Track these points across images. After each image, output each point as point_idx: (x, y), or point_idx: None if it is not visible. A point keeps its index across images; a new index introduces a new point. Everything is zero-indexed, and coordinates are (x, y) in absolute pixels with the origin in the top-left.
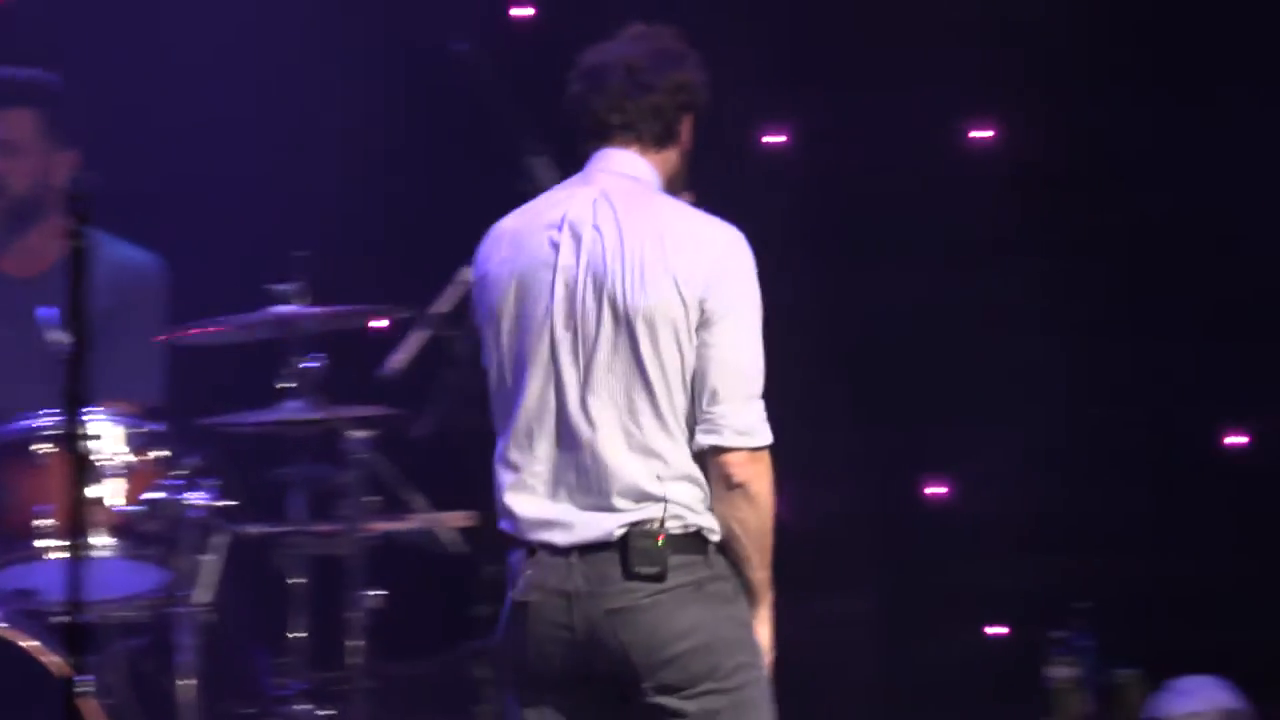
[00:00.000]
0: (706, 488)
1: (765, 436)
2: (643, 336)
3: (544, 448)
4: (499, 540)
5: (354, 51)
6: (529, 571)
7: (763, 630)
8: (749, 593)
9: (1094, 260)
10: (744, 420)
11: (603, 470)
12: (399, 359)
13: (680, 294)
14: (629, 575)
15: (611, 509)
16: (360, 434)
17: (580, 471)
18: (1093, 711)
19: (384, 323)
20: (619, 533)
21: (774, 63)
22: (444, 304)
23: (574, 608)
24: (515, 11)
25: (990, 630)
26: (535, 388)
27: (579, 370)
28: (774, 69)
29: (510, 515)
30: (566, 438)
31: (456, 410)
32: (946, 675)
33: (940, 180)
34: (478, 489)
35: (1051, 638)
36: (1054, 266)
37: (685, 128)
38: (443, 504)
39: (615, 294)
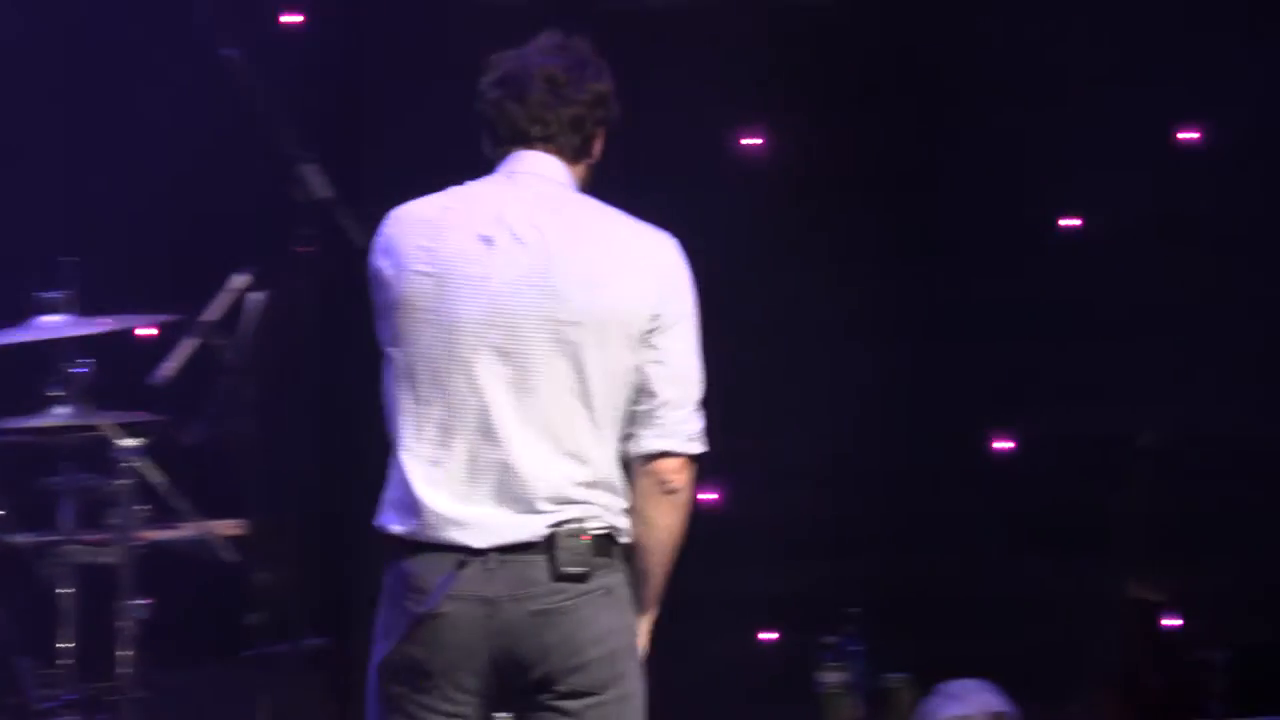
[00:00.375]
0: (623, 494)
1: (704, 444)
2: (591, 341)
3: (462, 446)
4: (277, 549)
5: (124, 56)
6: (443, 580)
7: (641, 640)
8: (643, 600)
9: (861, 267)
10: (694, 427)
11: (529, 473)
12: (169, 366)
13: (635, 301)
14: (557, 576)
15: (535, 511)
16: (130, 441)
17: (504, 473)
18: (863, 716)
19: (153, 330)
20: (544, 533)
21: None
22: (214, 311)
23: (495, 613)
24: (285, 18)
25: (761, 635)
26: (457, 384)
27: (513, 370)
28: None
29: (420, 511)
30: (491, 438)
31: (227, 418)
32: (717, 680)
33: (710, 188)
34: (248, 497)
35: (821, 643)
36: (823, 273)
37: (599, 142)
38: (213, 512)
39: (564, 297)
